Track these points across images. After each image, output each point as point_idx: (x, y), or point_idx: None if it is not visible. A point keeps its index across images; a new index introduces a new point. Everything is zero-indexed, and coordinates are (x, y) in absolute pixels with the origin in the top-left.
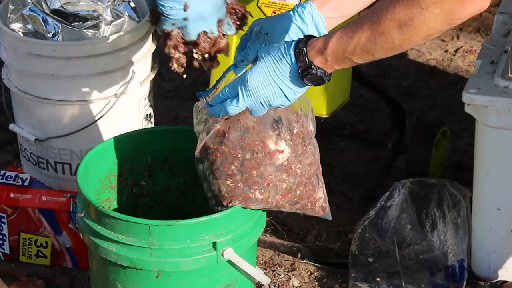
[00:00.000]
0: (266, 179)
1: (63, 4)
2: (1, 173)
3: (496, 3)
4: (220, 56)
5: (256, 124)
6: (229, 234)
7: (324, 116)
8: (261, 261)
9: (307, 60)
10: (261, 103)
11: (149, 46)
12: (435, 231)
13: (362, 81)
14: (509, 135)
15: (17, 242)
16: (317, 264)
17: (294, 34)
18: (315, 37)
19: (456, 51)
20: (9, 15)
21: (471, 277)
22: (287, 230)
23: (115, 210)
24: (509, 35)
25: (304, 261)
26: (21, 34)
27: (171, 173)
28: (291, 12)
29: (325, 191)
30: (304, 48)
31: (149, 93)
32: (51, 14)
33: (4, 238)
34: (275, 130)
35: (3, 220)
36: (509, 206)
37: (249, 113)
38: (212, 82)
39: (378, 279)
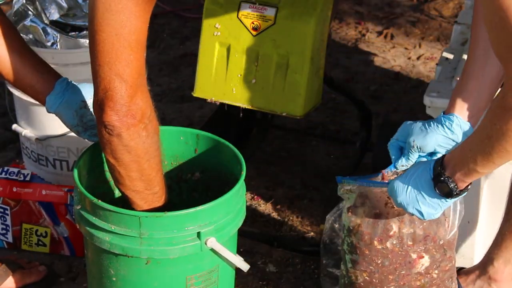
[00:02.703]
0: (403, 279)
1: (61, 15)
2: (5, 169)
3: (456, 14)
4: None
5: (403, 237)
6: (212, 225)
7: (298, 117)
8: (241, 249)
9: (439, 168)
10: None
11: None
12: None
13: (333, 85)
14: None
15: (19, 232)
16: (292, 252)
17: (445, 144)
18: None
19: (418, 58)
20: None
21: None
22: (264, 221)
23: (108, 203)
24: (466, 44)
25: (280, 249)
26: None
27: None
28: (439, 126)
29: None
30: (441, 160)
31: None
32: (50, 25)
33: (8, 228)
34: (422, 244)
35: (6, 212)
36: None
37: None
38: (197, 85)
39: None
